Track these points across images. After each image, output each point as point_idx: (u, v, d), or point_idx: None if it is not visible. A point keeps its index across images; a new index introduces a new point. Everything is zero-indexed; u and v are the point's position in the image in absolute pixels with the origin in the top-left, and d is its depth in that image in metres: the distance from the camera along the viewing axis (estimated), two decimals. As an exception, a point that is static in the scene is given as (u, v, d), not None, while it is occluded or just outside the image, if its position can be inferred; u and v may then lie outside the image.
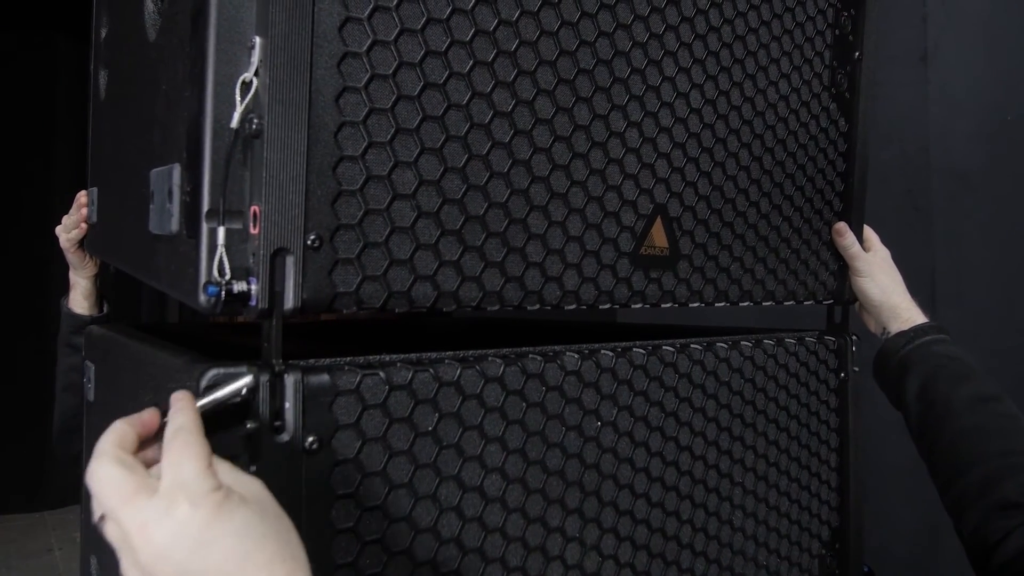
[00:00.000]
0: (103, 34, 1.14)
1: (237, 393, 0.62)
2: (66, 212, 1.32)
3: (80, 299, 1.35)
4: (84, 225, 1.29)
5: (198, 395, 0.62)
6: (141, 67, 0.88)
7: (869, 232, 1.15)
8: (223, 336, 1.24)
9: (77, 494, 1.45)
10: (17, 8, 4.20)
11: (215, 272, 0.62)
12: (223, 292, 0.61)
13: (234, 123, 0.61)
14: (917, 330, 1.07)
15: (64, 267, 1.35)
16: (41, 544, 3.75)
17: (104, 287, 1.38)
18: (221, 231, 0.62)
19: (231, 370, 0.63)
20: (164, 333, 1.00)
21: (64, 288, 1.37)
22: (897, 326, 1.09)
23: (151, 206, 0.76)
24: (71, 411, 1.35)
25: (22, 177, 4.42)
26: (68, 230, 1.31)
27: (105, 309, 1.38)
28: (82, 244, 1.31)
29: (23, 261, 4.35)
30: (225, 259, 0.62)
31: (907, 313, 1.09)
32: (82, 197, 1.29)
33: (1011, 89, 1.78)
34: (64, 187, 4.25)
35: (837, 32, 1.06)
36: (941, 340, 1.06)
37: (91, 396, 1.07)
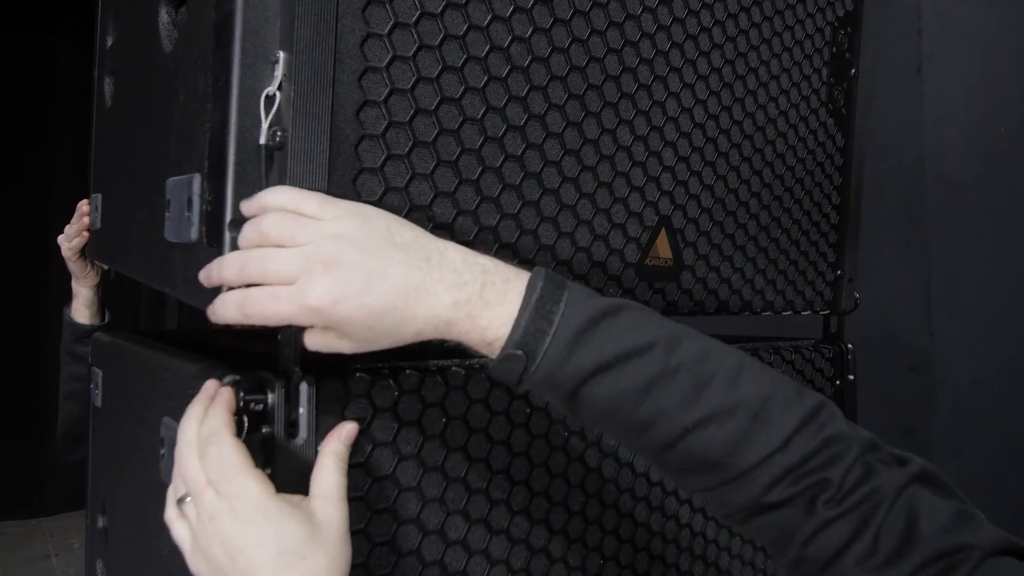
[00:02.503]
0: (109, 42, 1.15)
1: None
2: (66, 219, 1.33)
3: (82, 308, 1.35)
4: (86, 233, 1.29)
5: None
6: (154, 77, 0.89)
7: None
8: (227, 342, 1.25)
9: (78, 500, 1.45)
10: (17, 13, 4.19)
11: (236, 280, 0.63)
12: (244, 300, 0.63)
13: (262, 139, 0.62)
14: None
15: (64, 275, 1.36)
16: (38, 551, 3.73)
17: (106, 296, 1.38)
18: None
19: (249, 376, 0.65)
20: (169, 339, 1.01)
21: (64, 296, 1.38)
22: None
23: (167, 214, 0.77)
24: (73, 419, 1.36)
25: (21, 183, 4.40)
26: (70, 239, 1.31)
27: (107, 318, 1.38)
28: (84, 253, 1.32)
29: (22, 268, 4.34)
30: (249, 268, 0.63)
31: None
32: (84, 206, 1.29)
33: (1005, 101, 1.80)
34: (64, 193, 4.23)
35: (834, 50, 1.09)
36: None
37: (98, 402, 1.08)
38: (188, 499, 0.59)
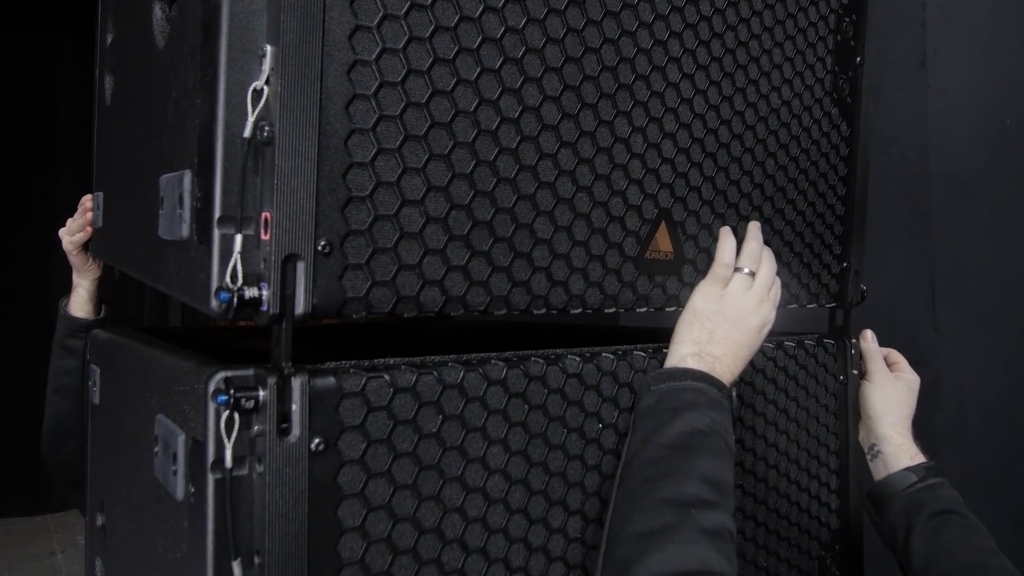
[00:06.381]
0: (109, 39, 1.14)
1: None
2: (69, 215, 1.33)
3: (81, 302, 1.35)
4: (89, 229, 1.29)
5: (207, 399, 0.63)
6: (149, 73, 0.89)
7: (899, 356, 1.16)
8: (227, 339, 1.25)
9: (70, 499, 1.45)
10: (20, 10, 4.20)
11: (227, 278, 0.63)
12: (235, 298, 0.62)
13: (246, 132, 0.61)
14: (928, 469, 1.04)
15: (68, 271, 1.36)
16: (44, 547, 3.75)
17: (104, 290, 1.38)
18: (238, 238, 0.63)
19: (240, 373, 0.64)
20: (168, 336, 1.01)
21: (67, 290, 1.38)
22: (891, 450, 1.06)
23: (160, 212, 0.77)
24: (61, 414, 1.35)
25: (25, 179, 4.42)
26: (72, 233, 1.31)
27: (102, 312, 1.38)
28: (86, 248, 1.32)
29: (27, 263, 4.36)
30: (239, 265, 0.63)
31: (901, 438, 1.07)
32: (87, 201, 1.29)
33: (1010, 93, 1.78)
34: (67, 190, 4.25)
35: (839, 38, 1.07)
36: (946, 484, 1.03)
37: (96, 400, 1.08)
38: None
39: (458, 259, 0.74)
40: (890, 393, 1.10)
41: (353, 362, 0.70)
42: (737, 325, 0.88)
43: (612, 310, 0.87)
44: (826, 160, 1.07)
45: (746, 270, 0.91)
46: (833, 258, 1.10)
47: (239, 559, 0.63)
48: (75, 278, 1.36)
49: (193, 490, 0.67)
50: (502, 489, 0.76)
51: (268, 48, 0.62)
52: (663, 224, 0.90)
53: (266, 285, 0.63)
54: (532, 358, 0.80)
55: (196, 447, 0.66)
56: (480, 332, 1.44)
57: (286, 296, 0.63)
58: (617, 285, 0.86)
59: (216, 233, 0.63)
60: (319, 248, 0.65)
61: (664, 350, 0.90)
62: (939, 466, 1.05)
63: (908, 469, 1.04)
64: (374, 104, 0.67)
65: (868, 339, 1.14)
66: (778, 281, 0.95)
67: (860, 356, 1.13)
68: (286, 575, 0.63)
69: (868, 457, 1.09)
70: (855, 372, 1.12)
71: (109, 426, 1.02)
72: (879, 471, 1.07)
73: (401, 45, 0.69)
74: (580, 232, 0.82)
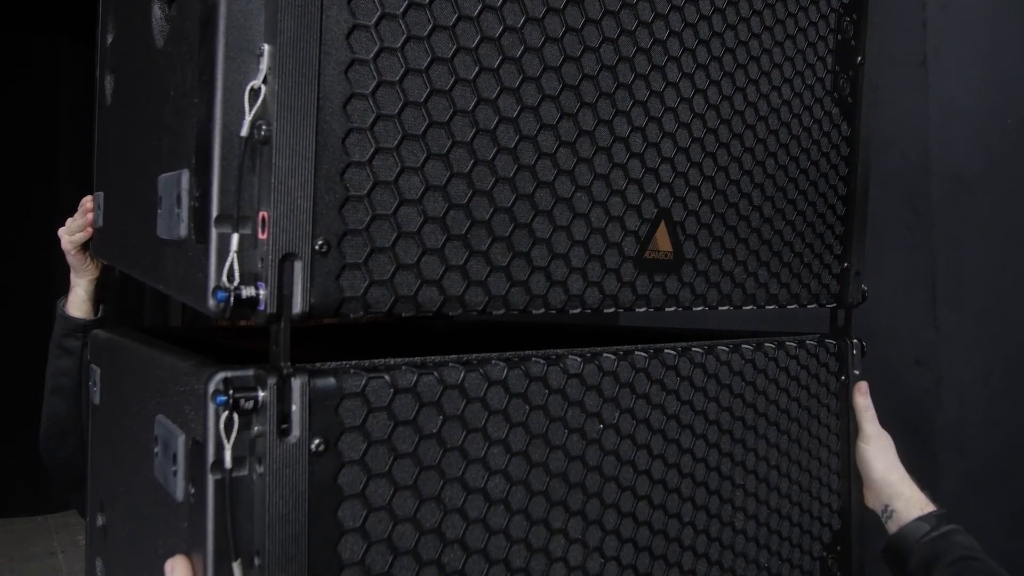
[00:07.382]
0: (109, 39, 1.14)
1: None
2: (70, 215, 1.33)
3: (79, 302, 1.35)
4: (90, 229, 1.29)
5: (206, 400, 0.63)
6: (148, 73, 0.89)
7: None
8: (228, 339, 1.25)
9: (69, 498, 1.45)
10: (20, 10, 4.21)
11: (224, 277, 0.62)
12: (232, 297, 0.62)
13: (243, 131, 0.61)
14: (940, 517, 1.04)
15: (68, 271, 1.36)
16: (44, 547, 3.75)
17: (103, 291, 1.38)
18: (235, 237, 0.62)
19: (239, 373, 0.64)
20: (169, 336, 1.01)
21: (67, 290, 1.38)
22: (902, 504, 1.06)
23: (159, 211, 0.77)
24: (58, 415, 1.35)
25: (26, 180, 4.43)
26: (72, 233, 1.31)
27: (100, 313, 1.38)
28: (85, 248, 1.32)
29: (28, 263, 4.36)
30: (236, 264, 0.62)
31: (910, 491, 1.07)
32: (88, 202, 1.29)
33: (1010, 93, 1.79)
34: (68, 190, 4.26)
35: (839, 37, 1.07)
36: (960, 531, 1.03)
37: (96, 400, 1.08)
38: None
39: (456, 258, 0.74)
40: (889, 451, 1.09)
41: (353, 362, 0.70)
42: None
43: (611, 310, 0.86)
44: (827, 160, 1.07)
45: None
46: (834, 258, 1.10)
47: (239, 560, 0.63)
48: (73, 278, 1.35)
49: (193, 491, 0.66)
50: (503, 490, 0.76)
51: (265, 47, 0.62)
52: (662, 224, 0.90)
53: (263, 284, 0.63)
54: (533, 358, 0.79)
55: (196, 448, 0.66)
56: (481, 332, 1.44)
57: (283, 295, 0.63)
58: (616, 285, 0.86)
59: (213, 232, 0.63)
60: (316, 247, 0.65)
61: (666, 350, 0.89)
62: (951, 513, 1.05)
63: (920, 519, 1.03)
64: (372, 103, 0.67)
65: (864, 392, 1.11)
66: None
67: (858, 358, 1.13)
68: (286, 576, 0.63)
69: (883, 519, 1.08)
70: (856, 372, 1.11)
71: (109, 426, 1.02)
72: (893, 528, 1.06)
73: (399, 44, 0.68)
74: (579, 231, 0.82)
